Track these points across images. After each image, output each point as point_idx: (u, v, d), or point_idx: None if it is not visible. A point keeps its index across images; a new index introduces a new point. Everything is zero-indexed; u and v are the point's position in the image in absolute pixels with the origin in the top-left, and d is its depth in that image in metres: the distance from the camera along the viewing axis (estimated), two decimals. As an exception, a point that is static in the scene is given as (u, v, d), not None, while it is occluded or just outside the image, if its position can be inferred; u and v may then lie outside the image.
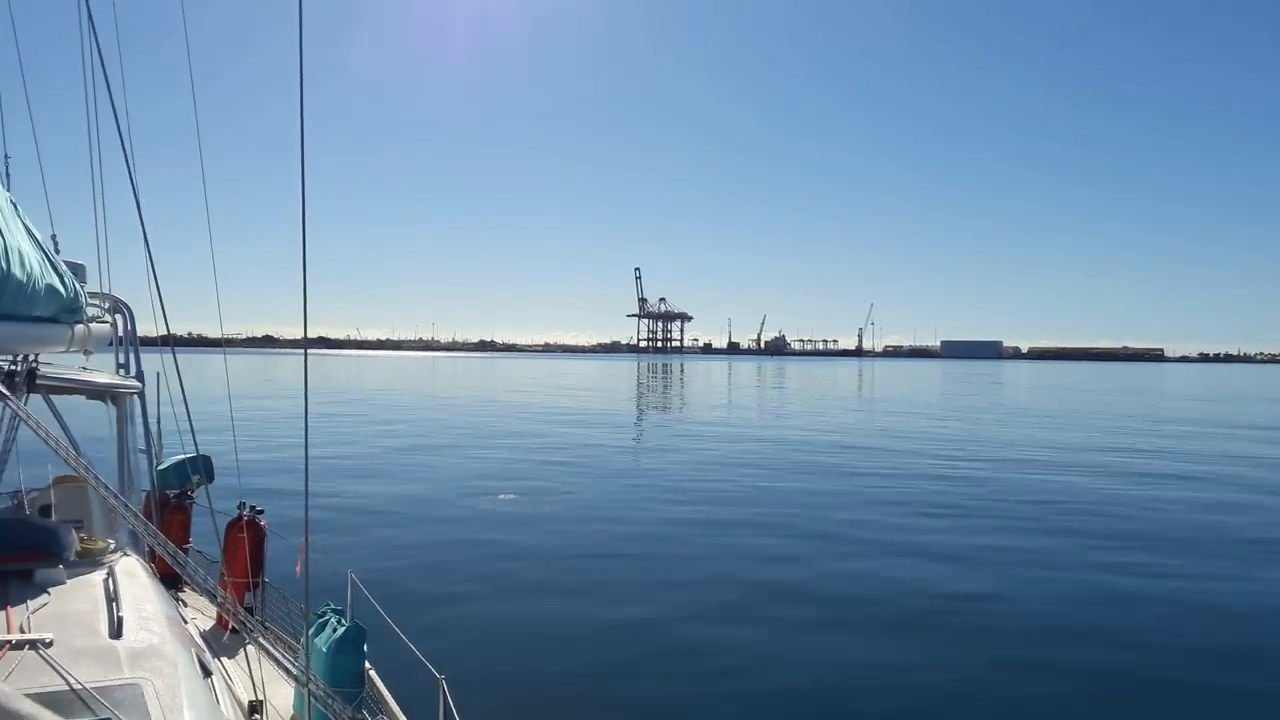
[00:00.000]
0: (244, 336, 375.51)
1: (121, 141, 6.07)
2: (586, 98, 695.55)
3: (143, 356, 8.59)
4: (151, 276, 6.42)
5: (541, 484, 24.48)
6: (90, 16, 6.37)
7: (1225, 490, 24.95)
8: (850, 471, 27.84)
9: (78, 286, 6.29)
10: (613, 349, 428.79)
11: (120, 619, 4.40)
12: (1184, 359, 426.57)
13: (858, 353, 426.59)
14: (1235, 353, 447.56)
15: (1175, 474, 28.07)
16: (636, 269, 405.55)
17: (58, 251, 6.36)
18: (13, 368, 5.57)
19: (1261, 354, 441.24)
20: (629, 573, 14.83)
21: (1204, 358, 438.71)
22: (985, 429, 44.88)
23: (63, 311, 5.52)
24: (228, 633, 7.43)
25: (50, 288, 5.12)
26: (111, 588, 4.93)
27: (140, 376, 9.24)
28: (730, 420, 49.71)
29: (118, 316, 9.72)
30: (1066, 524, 19.60)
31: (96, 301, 8.39)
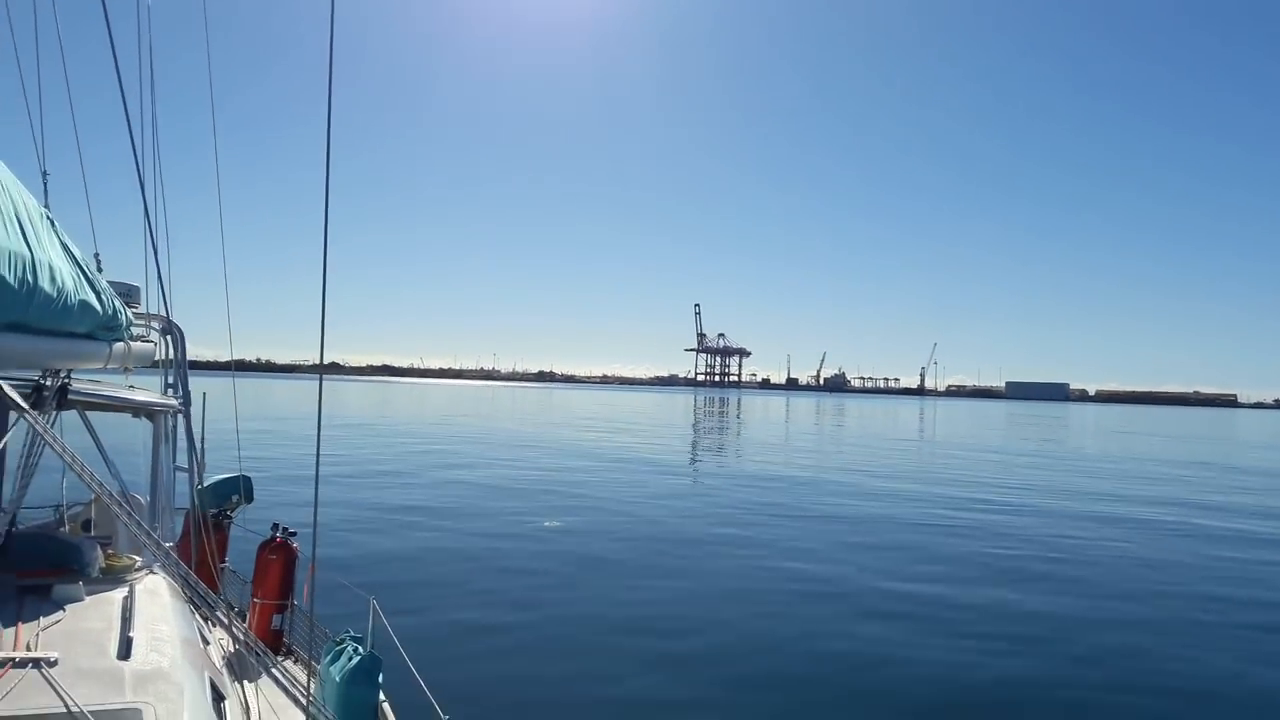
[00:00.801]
0: (309, 363, 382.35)
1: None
2: (652, 135, 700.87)
3: (210, 380, 8.70)
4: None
5: (590, 514, 24.33)
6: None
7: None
8: (909, 521, 27.25)
9: (117, 304, 6.36)
10: (670, 382, 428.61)
11: (130, 640, 4.36)
12: (1259, 405, 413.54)
13: (920, 391, 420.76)
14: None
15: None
16: (696, 305, 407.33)
17: (100, 270, 6.45)
18: (42, 383, 5.62)
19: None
20: (669, 619, 14.21)
21: (1279, 404, 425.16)
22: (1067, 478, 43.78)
23: (99, 329, 5.57)
24: (251, 656, 7.41)
25: (85, 304, 5.16)
26: (129, 607, 4.91)
27: (186, 396, 9.37)
28: (786, 459, 49.05)
29: (167, 337, 9.89)
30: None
31: (143, 322, 8.53)
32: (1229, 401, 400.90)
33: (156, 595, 5.46)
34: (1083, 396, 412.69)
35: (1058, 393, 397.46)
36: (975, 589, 16.87)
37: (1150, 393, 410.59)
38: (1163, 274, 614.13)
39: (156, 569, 5.99)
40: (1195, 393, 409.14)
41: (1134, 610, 15.69)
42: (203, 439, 9.12)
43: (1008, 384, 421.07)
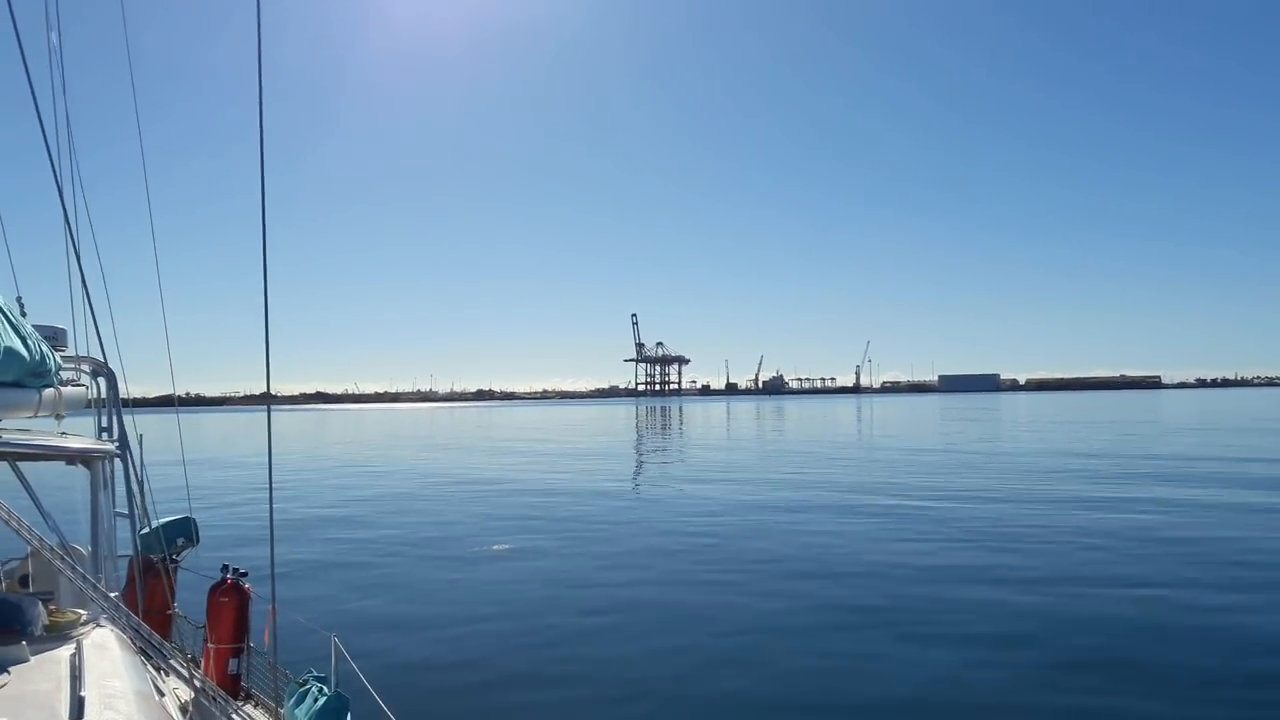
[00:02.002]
0: (241, 395, 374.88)
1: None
2: (579, 147, 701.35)
3: (142, 418, 8.41)
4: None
5: (538, 535, 24.11)
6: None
7: None
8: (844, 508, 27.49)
9: (45, 350, 6.09)
10: (611, 393, 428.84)
11: (81, 699, 4.14)
12: (1182, 385, 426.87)
13: (855, 390, 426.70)
14: (1232, 377, 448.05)
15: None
16: (633, 315, 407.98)
17: (24, 314, 6.18)
18: None
19: (1259, 377, 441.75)
20: (633, 636, 14.09)
21: (1201, 383, 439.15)
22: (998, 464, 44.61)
23: (26, 375, 5.33)
24: (211, 704, 7.12)
25: (9, 350, 4.93)
26: (77, 664, 4.67)
27: (123, 439, 9.03)
28: (731, 465, 49.27)
29: (99, 380, 9.53)
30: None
31: (72, 365, 8.19)
32: (1154, 383, 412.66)
33: (105, 649, 5.22)
34: (1013, 386, 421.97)
35: (988, 384, 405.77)
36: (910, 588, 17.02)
37: (1079, 379, 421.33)
38: (1085, 262, 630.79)
39: (103, 621, 5.73)
40: (1122, 376, 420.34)
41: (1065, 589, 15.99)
42: (143, 482, 8.80)
43: (940, 377, 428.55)
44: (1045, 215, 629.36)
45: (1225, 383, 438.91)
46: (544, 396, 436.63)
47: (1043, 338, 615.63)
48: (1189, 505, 26.79)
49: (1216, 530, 22.38)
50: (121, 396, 9.29)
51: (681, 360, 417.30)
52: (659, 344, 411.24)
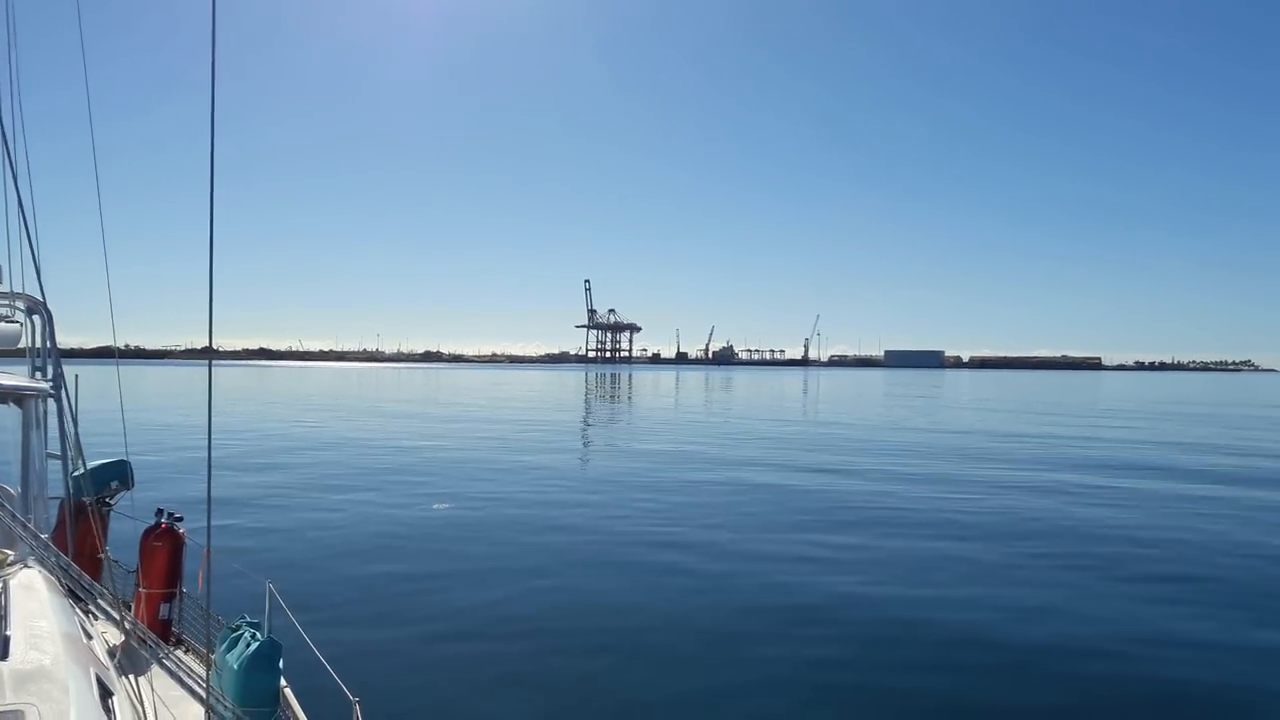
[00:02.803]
0: (183, 348, 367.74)
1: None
2: (534, 110, 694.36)
3: (80, 367, 8.21)
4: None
5: (478, 492, 24.13)
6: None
7: None
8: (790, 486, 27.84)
9: (-26, 284, 5.94)
10: (561, 359, 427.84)
11: (6, 639, 4.08)
12: (1121, 367, 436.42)
13: (804, 362, 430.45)
14: (1170, 361, 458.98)
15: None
16: (586, 281, 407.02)
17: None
18: None
19: (1194, 362, 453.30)
20: (565, 590, 14.26)
21: (1140, 366, 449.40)
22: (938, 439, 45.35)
23: (-46, 310, 5.19)
24: (141, 648, 7.06)
25: (-65, 283, 4.79)
26: (3, 604, 4.61)
27: (57, 379, 8.84)
28: (677, 432, 49.55)
29: (34, 318, 9.30)
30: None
31: (7, 302, 7.98)
32: (1094, 365, 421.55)
33: (33, 590, 5.15)
34: (957, 363, 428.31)
35: (933, 360, 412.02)
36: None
37: (1021, 358, 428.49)
38: (1031, 242, 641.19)
39: (31, 562, 5.65)
40: (1064, 357, 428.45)
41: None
42: (76, 424, 8.64)
43: (886, 353, 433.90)
44: (993, 197, 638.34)
45: (1163, 366, 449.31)
46: (493, 360, 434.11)
47: (988, 317, 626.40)
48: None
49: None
50: (59, 342, 9.09)
51: (633, 328, 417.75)
52: (611, 311, 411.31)
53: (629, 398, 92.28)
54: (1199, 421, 59.27)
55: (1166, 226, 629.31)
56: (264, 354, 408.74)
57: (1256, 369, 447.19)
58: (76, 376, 8.48)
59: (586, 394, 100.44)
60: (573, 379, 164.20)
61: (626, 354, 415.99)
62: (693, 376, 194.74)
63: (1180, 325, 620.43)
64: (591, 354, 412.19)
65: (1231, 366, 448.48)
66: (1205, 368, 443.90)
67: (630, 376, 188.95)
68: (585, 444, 41.88)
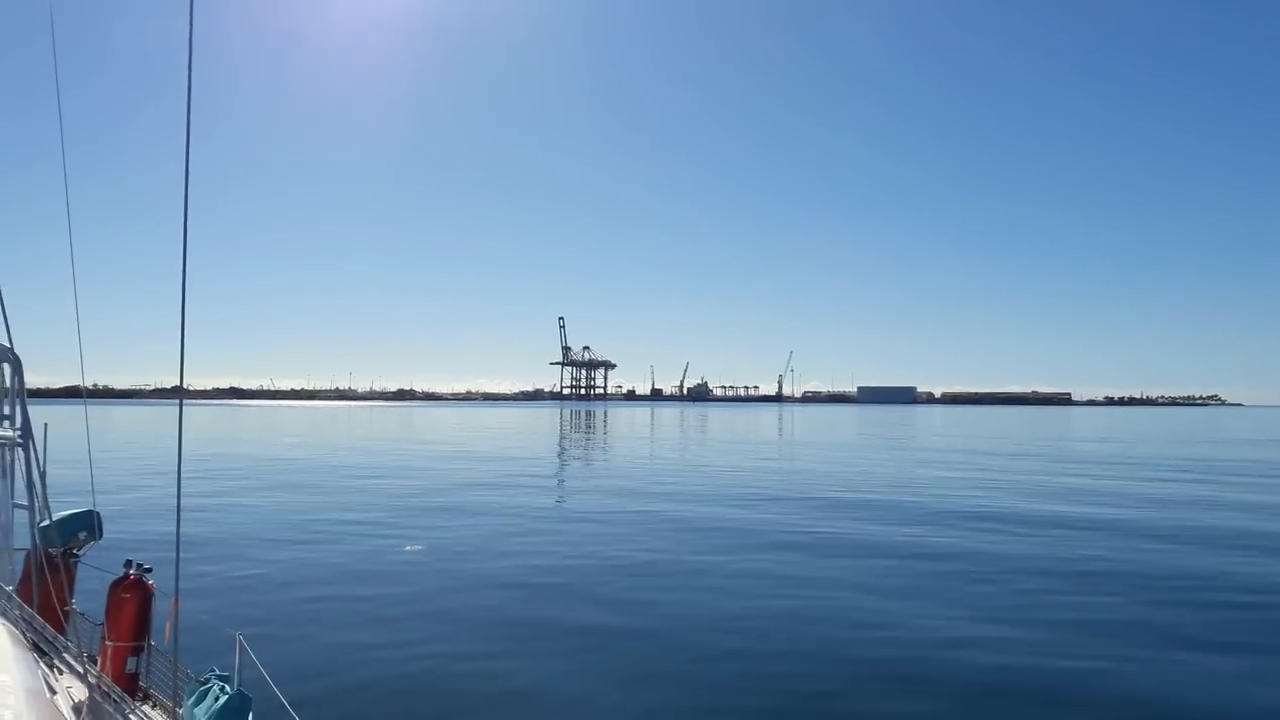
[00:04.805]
0: (152, 387, 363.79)
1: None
2: (508, 144, 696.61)
3: (47, 409, 8.12)
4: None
5: (451, 534, 23.94)
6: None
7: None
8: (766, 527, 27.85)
9: (-56, 333, 5.90)
10: (535, 396, 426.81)
11: None
12: (1091, 402, 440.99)
13: (778, 398, 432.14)
14: (1139, 395, 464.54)
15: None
16: (560, 318, 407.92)
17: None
18: None
19: (1163, 397, 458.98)
20: (544, 635, 14.12)
21: (1109, 401, 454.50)
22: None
23: (-77, 360, 5.15)
24: (106, 703, 6.94)
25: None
26: None
27: (25, 428, 8.75)
28: (653, 470, 49.48)
29: (4, 365, 9.22)
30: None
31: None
32: (1064, 400, 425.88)
33: None
34: (929, 399, 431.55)
35: (905, 396, 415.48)
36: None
37: (992, 393, 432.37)
38: (999, 279, 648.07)
39: (-5, 616, 5.57)
40: (1034, 392, 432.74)
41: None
42: (44, 473, 8.55)
43: (859, 389, 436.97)
44: (965, 234, 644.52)
45: (1132, 401, 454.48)
46: (467, 398, 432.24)
47: (959, 352, 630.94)
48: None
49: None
50: (26, 385, 9.00)
51: (608, 365, 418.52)
52: (586, 348, 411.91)
53: (605, 435, 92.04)
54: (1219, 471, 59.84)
55: (1136, 262, 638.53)
56: (235, 393, 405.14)
57: (1224, 403, 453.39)
58: (46, 425, 8.40)
59: (561, 432, 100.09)
60: (547, 416, 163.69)
61: (601, 391, 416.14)
62: (668, 413, 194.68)
63: (1149, 361, 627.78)
64: (566, 391, 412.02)
65: (1199, 401, 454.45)
66: (1174, 402, 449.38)
67: (606, 413, 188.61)
68: (560, 483, 41.66)
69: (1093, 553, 21.64)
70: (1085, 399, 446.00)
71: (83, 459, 8.24)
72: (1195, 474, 46.16)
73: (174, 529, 5.58)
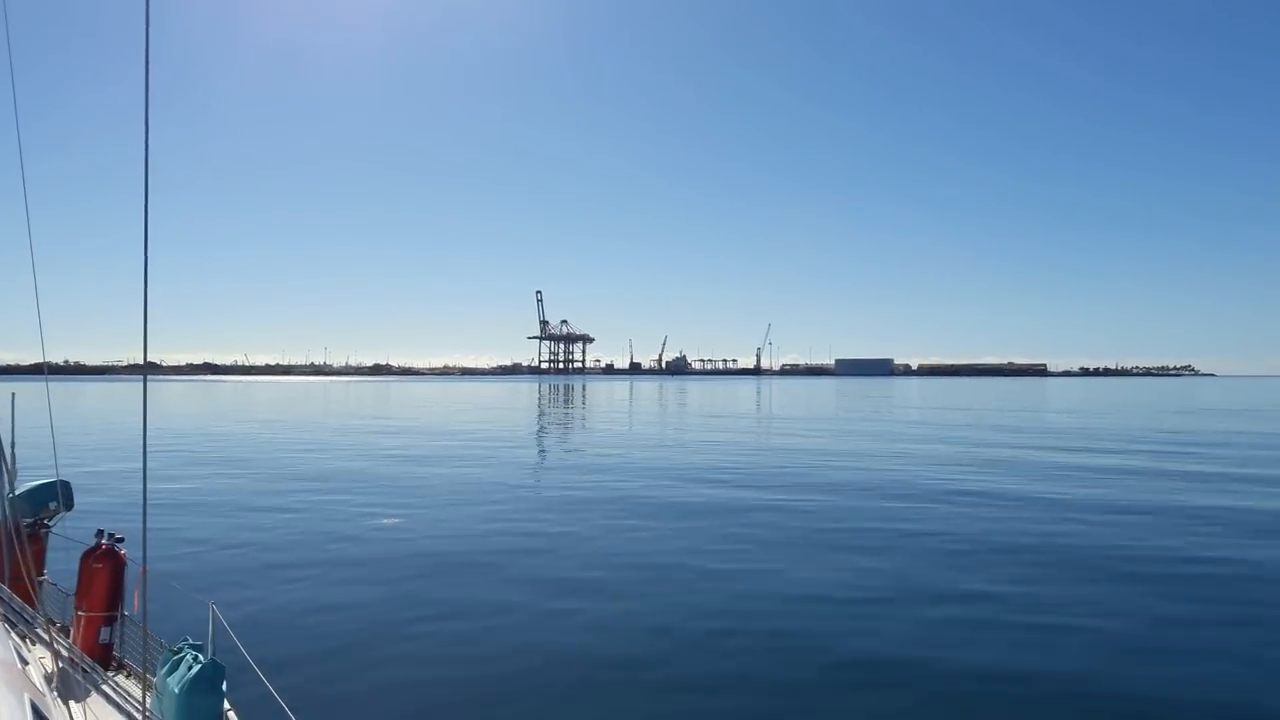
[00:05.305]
0: (124, 363, 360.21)
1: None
2: (482, 117, 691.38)
3: (16, 384, 7.99)
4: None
5: (428, 506, 23.92)
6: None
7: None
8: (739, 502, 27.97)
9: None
10: (514, 371, 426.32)
11: None
12: (1066, 373, 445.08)
13: (756, 371, 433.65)
14: (1114, 366, 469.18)
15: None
16: (538, 292, 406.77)
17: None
18: None
19: (1138, 367, 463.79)
20: (522, 610, 14.03)
21: (1085, 372, 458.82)
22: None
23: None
24: (78, 673, 6.89)
25: None
26: None
27: (-11, 400, 8.62)
28: (627, 445, 49.58)
29: (-32, 336, 9.07)
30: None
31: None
32: (1040, 371, 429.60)
33: None
34: (906, 371, 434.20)
35: (882, 368, 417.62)
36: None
37: (968, 365, 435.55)
38: (975, 251, 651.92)
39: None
40: (1010, 364, 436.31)
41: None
42: (13, 443, 8.44)
43: (837, 361, 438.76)
44: (939, 205, 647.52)
45: (1107, 371, 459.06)
46: (444, 373, 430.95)
47: (936, 324, 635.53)
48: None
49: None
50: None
51: (586, 339, 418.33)
52: (563, 322, 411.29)
53: (583, 410, 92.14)
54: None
55: (1110, 231, 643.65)
56: (209, 369, 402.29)
57: (1196, 373, 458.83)
58: (13, 395, 8.28)
59: (540, 406, 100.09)
60: (525, 391, 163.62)
61: (580, 365, 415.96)
62: (647, 387, 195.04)
63: (1123, 331, 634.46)
64: (544, 366, 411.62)
65: (1173, 371, 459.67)
66: (1148, 373, 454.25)
67: (584, 388, 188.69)
68: (539, 455, 41.70)
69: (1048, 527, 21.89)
70: (1061, 370, 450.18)
71: (48, 431, 8.12)
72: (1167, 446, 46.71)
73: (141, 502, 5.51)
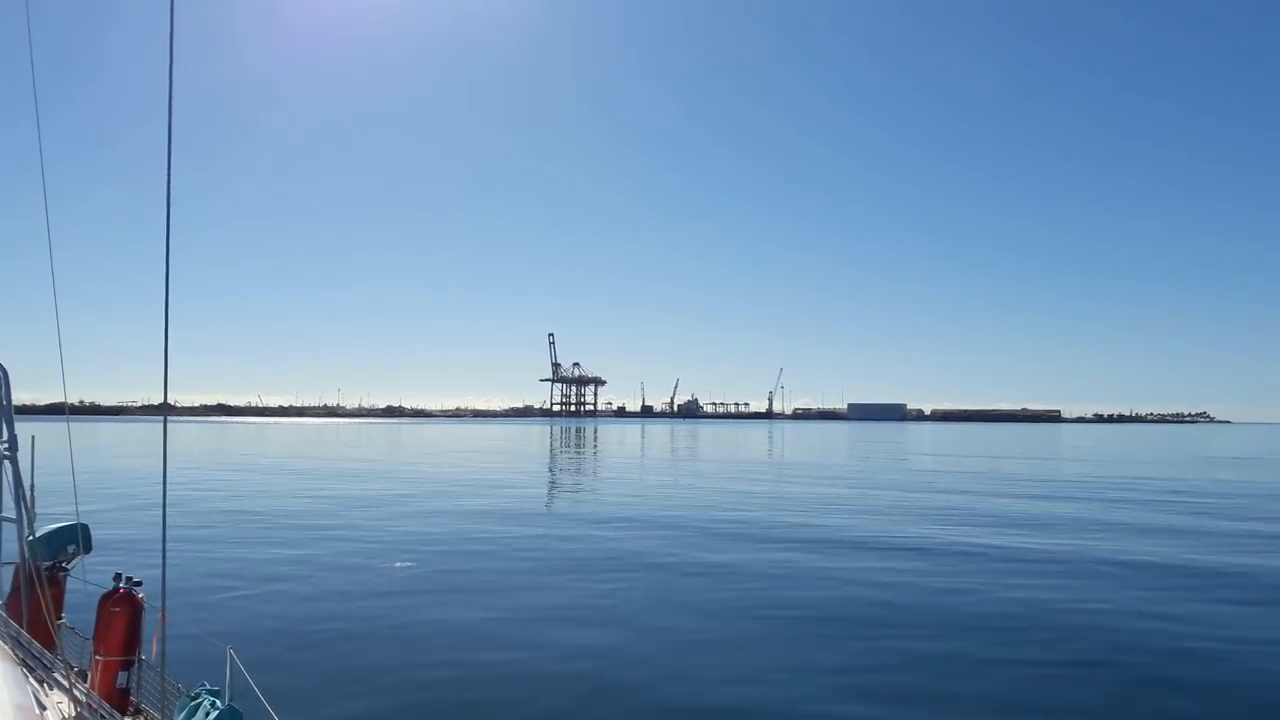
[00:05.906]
0: (139, 404, 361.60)
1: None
2: (498, 158, 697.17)
3: (33, 425, 8.08)
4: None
5: (442, 549, 23.90)
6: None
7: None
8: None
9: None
10: (526, 413, 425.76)
11: None
12: (1080, 419, 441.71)
13: (768, 415, 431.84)
14: (1128, 413, 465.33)
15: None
16: (550, 334, 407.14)
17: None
18: None
19: (1151, 414, 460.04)
20: (536, 649, 14.07)
21: (1099, 418, 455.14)
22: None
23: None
24: (97, 718, 6.89)
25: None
26: None
27: (12, 441, 8.70)
28: (644, 490, 49.43)
29: (-12, 377, 9.18)
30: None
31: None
32: (1054, 417, 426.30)
33: None
34: (919, 416, 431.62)
35: (895, 413, 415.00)
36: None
37: (982, 410, 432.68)
38: (989, 297, 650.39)
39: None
40: (1024, 410, 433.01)
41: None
42: (33, 485, 8.49)
43: (849, 405, 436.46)
44: (954, 251, 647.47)
45: (1121, 418, 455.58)
46: (457, 414, 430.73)
47: (949, 369, 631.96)
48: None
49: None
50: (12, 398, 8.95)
51: (598, 381, 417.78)
52: (575, 364, 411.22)
53: (595, 454, 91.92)
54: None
55: (1124, 280, 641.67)
56: (222, 410, 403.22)
57: (1212, 420, 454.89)
58: (34, 438, 8.35)
59: (552, 449, 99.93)
60: (537, 434, 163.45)
61: (591, 408, 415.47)
62: (658, 429, 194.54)
63: (1138, 378, 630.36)
64: (556, 408, 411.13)
65: (1188, 418, 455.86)
66: (1163, 419, 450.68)
67: (596, 431, 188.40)
68: (551, 498, 41.58)
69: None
70: (1074, 416, 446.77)
71: (68, 474, 8.18)
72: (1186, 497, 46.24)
73: (160, 543, 5.55)
